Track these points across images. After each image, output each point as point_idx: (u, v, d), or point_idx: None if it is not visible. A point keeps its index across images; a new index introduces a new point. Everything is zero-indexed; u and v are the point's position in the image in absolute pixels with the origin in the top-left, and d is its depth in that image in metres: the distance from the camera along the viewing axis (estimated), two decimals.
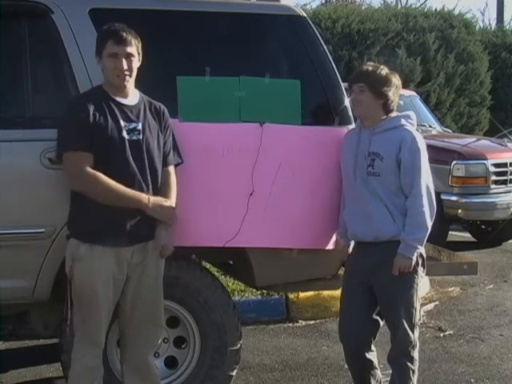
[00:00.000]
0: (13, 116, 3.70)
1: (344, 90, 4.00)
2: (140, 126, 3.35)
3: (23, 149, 3.56)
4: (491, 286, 7.02)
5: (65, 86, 3.69)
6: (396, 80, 3.66)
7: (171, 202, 3.45)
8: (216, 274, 4.91)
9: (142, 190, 3.34)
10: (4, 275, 3.57)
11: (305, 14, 4.08)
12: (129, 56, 3.30)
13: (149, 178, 3.37)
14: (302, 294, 5.85)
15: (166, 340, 3.96)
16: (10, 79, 3.72)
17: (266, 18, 4.02)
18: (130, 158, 3.30)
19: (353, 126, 3.90)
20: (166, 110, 3.50)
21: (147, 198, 3.33)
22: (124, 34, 3.28)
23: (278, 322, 5.78)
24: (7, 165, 3.56)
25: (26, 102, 3.70)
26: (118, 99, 3.35)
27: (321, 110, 4.00)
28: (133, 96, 3.40)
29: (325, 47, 4.03)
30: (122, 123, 3.31)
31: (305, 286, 4.39)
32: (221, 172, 3.76)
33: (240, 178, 3.78)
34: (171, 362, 4.01)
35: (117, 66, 3.28)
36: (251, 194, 3.79)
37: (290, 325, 5.77)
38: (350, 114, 3.97)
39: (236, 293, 5.92)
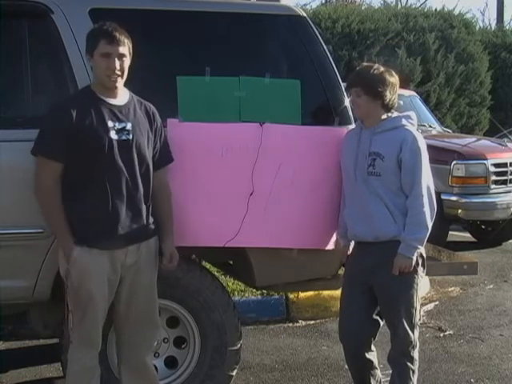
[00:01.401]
0: (13, 116, 3.70)
1: (344, 90, 4.00)
2: (129, 126, 3.33)
3: (24, 149, 3.56)
4: (491, 286, 7.02)
5: (65, 85, 3.69)
6: (391, 78, 3.63)
7: (169, 209, 3.52)
8: (216, 273, 4.91)
9: (131, 191, 3.32)
10: (4, 275, 3.57)
11: (305, 14, 4.08)
12: (121, 56, 3.27)
13: (139, 178, 3.35)
14: (302, 294, 5.85)
15: (166, 340, 3.96)
16: (10, 79, 3.72)
17: (266, 18, 4.02)
18: (119, 159, 3.28)
19: (353, 126, 3.90)
20: (156, 112, 3.47)
21: (66, 246, 3.29)
22: (117, 34, 3.26)
23: (278, 321, 5.78)
24: (8, 165, 3.56)
25: (26, 102, 3.71)
26: (107, 99, 3.32)
27: (321, 110, 4.00)
28: (122, 96, 3.38)
29: (325, 47, 4.03)
30: (110, 123, 3.28)
31: (305, 286, 4.39)
32: (221, 172, 3.76)
33: (240, 178, 3.78)
34: (171, 362, 4.00)
35: (109, 66, 3.26)
36: (251, 194, 3.79)
37: (290, 325, 5.77)
38: (350, 113, 3.96)
39: (236, 293, 5.92)
